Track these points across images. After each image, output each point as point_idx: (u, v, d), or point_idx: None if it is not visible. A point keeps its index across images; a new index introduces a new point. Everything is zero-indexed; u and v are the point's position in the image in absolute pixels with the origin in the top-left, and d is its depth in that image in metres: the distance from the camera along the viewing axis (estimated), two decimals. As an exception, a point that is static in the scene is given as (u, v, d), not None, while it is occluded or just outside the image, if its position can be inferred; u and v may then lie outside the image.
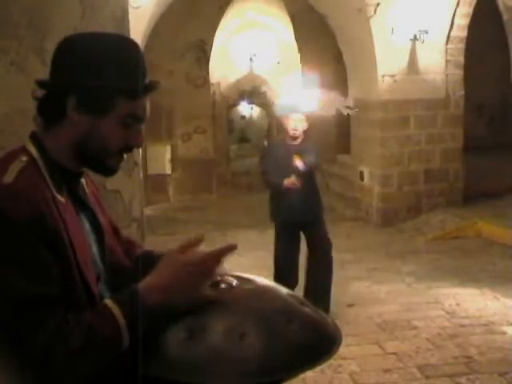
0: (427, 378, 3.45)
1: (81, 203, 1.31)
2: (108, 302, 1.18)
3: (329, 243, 4.79)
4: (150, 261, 1.41)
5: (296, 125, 4.59)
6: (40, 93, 1.25)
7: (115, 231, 1.52)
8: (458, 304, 4.73)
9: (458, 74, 8.19)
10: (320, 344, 1.22)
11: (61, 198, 1.22)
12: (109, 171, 1.31)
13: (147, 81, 1.28)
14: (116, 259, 1.39)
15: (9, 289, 1.09)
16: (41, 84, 1.25)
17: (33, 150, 1.23)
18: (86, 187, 1.38)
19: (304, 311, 1.28)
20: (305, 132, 4.67)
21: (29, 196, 1.13)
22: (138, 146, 1.32)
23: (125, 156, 1.32)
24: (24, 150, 1.23)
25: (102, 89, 1.21)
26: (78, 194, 1.31)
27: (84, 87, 1.21)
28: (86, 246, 1.25)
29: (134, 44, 1.30)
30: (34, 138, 1.26)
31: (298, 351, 1.19)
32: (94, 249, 1.30)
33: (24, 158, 1.20)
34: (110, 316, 1.15)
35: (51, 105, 1.24)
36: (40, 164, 1.22)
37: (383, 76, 7.94)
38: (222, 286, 1.32)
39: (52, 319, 1.11)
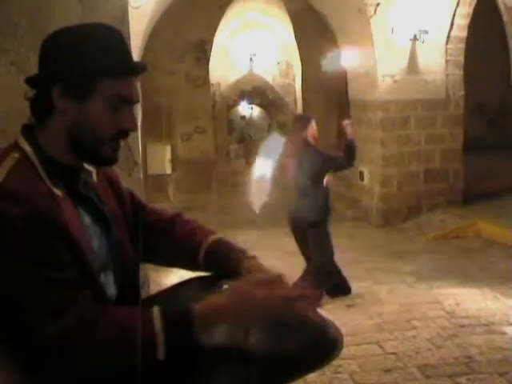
0: (427, 377, 3.44)
1: (81, 196, 1.30)
2: (154, 308, 1.16)
3: None
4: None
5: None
6: (31, 93, 1.26)
7: (141, 210, 1.50)
8: (457, 304, 4.73)
9: (457, 74, 8.19)
10: (320, 348, 1.22)
11: (57, 192, 1.21)
12: (105, 160, 1.29)
13: (132, 62, 1.28)
14: (125, 253, 1.37)
15: (23, 282, 1.08)
16: (28, 81, 1.26)
17: (25, 145, 1.22)
18: (95, 177, 1.36)
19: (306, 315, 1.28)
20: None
21: (22, 192, 1.13)
22: (132, 130, 1.29)
23: (121, 143, 1.29)
24: (16, 146, 1.23)
25: (82, 70, 1.21)
26: (77, 187, 1.30)
27: (65, 73, 1.21)
28: (84, 240, 1.24)
29: (111, 27, 1.29)
30: (25, 133, 1.25)
31: (298, 355, 1.19)
32: (96, 242, 1.29)
33: (16, 155, 1.19)
34: (147, 319, 1.13)
35: (39, 99, 1.24)
36: (34, 159, 1.21)
37: (383, 76, 7.94)
38: (225, 286, 1.31)
39: (76, 304, 1.10)
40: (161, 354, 1.11)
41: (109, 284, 1.30)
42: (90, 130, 1.23)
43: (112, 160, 1.29)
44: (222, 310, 1.16)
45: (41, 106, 1.24)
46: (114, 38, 1.26)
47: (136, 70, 1.28)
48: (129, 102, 1.26)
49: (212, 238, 1.46)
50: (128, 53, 1.28)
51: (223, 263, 1.40)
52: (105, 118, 1.23)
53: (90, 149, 1.25)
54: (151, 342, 1.11)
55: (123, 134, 1.27)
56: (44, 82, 1.23)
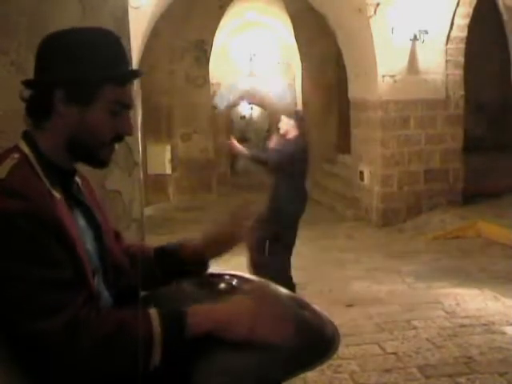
0: (427, 378, 3.44)
1: (75, 200, 1.32)
2: (151, 310, 1.18)
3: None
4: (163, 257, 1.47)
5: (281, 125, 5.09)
6: (27, 93, 1.26)
7: (116, 234, 1.52)
8: (457, 304, 4.73)
9: (458, 74, 8.19)
10: (315, 348, 1.22)
11: (55, 194, 1.22)
12: (102, 162, 1.31)
13: (133, 69, 1.32)
14: (113, 260, 1.39)
15: (19, 278, 1.09)
16: (27, 83, 1.26)
17: (25, 147, 1.23)
18: (81, 187, 1.38)
19: (301, 314, 1.28)
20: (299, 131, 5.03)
21: (23, 190, 1.14)
22: (129, 134, 1.33)
23: (116, 146, 1.32)
24: (16, 148, 1.24)
25: (88, 77, 1.23)
26: (72, 190, 1.32)
27: (70, 78, 1.22)
28: (80, 241, 1.25)
29: (113, 34, 1.32)
30: (25, 137, 1.26)
31: (292, 355, 1.19)
32: (89, 245, 1.30)
33: (16, 155, 1.21)
34: (146, 319, 1.15)
35: (39, 101, 1.24)
36: (32, 161, 1.22)
37: (383, 76, 7.94)
38: (222, 285, 1.32)
39: (70, 303, 1.11)
40: (157, 354, 1.13)
41: (101, 287, 1.32)
42: (91, 133, 1.25)
43: (107, 162, 1.32)
44: (216, 320, 1.18)
45: (39, 108, 1.25)
46: (117, 45, 1.28)
47: (136, 76, 1.33)
48: (127, 107, 1.30)
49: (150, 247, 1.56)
50: (128, 60, 1.31)
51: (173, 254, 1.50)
52: (106, 122, 1.26)
53: (90, 151, 1.28)
54: (149, 341, 1.13)
55: (120, 137, 1.31)
56: (46, 86, 1.23)
